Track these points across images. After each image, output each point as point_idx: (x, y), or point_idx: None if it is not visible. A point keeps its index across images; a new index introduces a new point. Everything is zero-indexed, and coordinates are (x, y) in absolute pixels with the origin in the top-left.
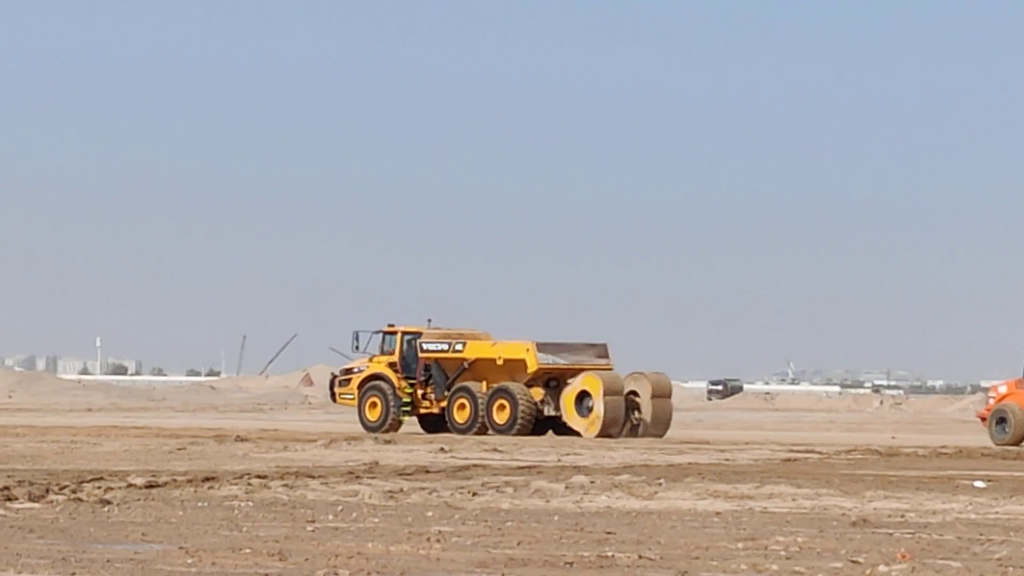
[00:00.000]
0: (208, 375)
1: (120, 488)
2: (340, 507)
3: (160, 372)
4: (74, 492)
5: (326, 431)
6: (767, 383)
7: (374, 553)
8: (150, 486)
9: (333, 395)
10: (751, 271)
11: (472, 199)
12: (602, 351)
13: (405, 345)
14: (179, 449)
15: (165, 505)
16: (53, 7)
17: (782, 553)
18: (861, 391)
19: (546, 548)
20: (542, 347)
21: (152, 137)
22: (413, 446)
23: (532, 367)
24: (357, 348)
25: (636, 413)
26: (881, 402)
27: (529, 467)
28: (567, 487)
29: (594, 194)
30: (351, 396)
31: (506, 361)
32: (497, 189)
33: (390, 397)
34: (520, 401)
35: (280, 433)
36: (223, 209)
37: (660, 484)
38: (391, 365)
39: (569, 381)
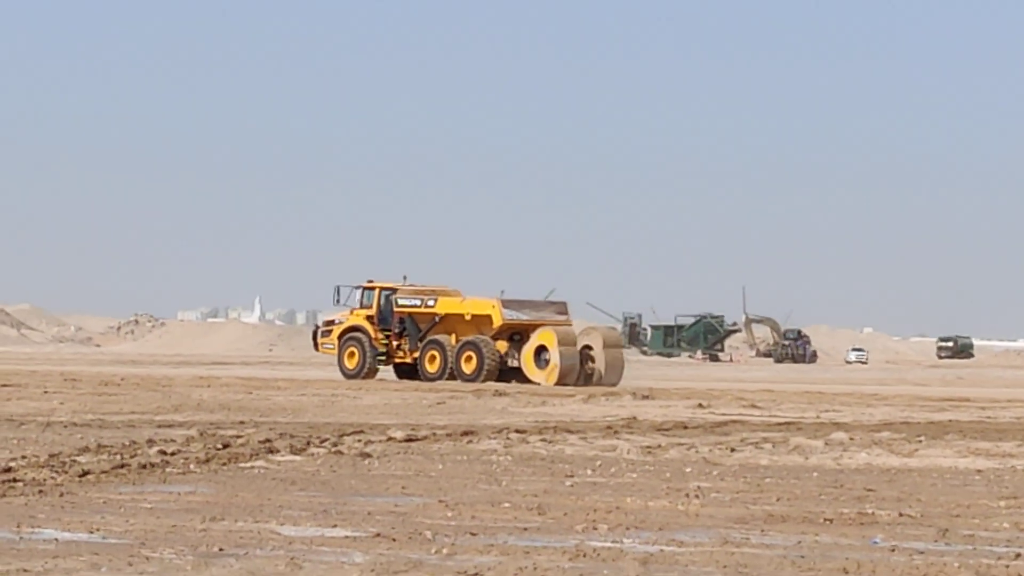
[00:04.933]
0: None
1: (380, 441)
2: (598, 462)
3: None
4: (335, 445)
5: (583, 387)
6: None
7: (632, 508)
8: (409, 440)
9: (316, 344)
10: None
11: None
12: (561, 308)
13: (382, 300)
14: (438, 404)
15: (424, 459)
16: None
17: None
18: None
19: (805, 505)
20: (507, 304)
21: (422, 102)
22: (670, 402)
23: (497, 322)
24: (338, 302)
25: (590, 363)
26: None
27: (788, 423)
28: (826, 444)
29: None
30: (332, 346)
31: (474, 316)
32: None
33: (367, 347)
34: (486, 353)
35: (538, 388)
36: (472, 163)
37: (920, 441)
38: (369, 318)
39: (531, 335)
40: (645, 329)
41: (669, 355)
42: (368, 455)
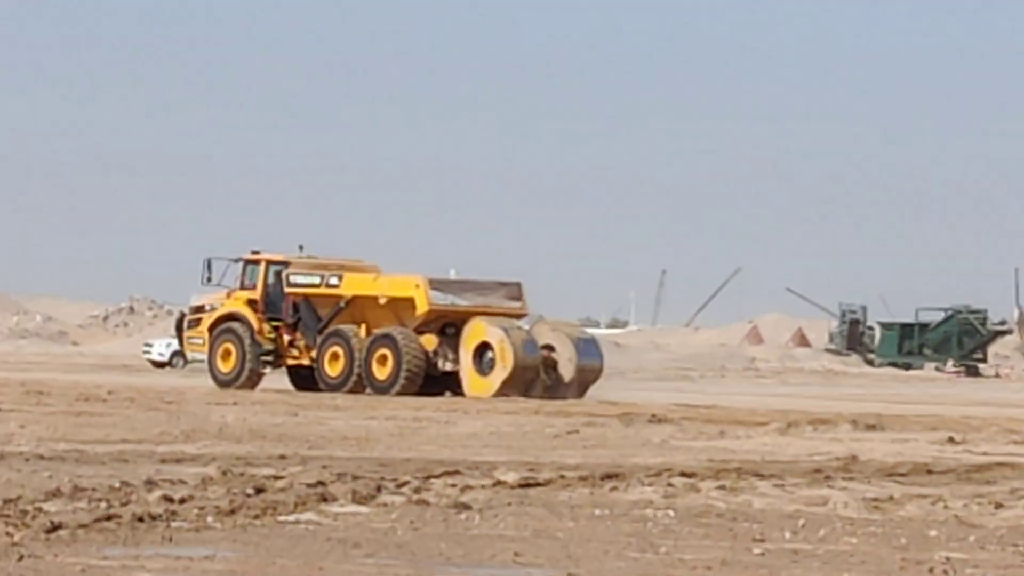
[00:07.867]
0: (610, 327)
1: (483, 487)
2: (801, 521)
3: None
4: (417, 492)
5: (781, 409)
6: None
7: None
8: (526, 484)
9: (180, 339)
10: None
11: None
12: (514, 291)
13: (270, 278)
14: (569, 433)
15: (548, 513)
16: None
17: None
18: None
19: None
20: (436, 284)
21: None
22: (907, 434)
23: (421, 308)
24: (209, 280)
25: (551, 371)
26: None
27: None
28: None
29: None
30: (200, 341)
31: (391, 300)
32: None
33: (247, 343)
34: (405, 351)
35: (715, 412)
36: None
37: None
38: (251, 303)
39: (470, 327)
40: (872, 328)
41: (907, 366)
42: (466, 506)
